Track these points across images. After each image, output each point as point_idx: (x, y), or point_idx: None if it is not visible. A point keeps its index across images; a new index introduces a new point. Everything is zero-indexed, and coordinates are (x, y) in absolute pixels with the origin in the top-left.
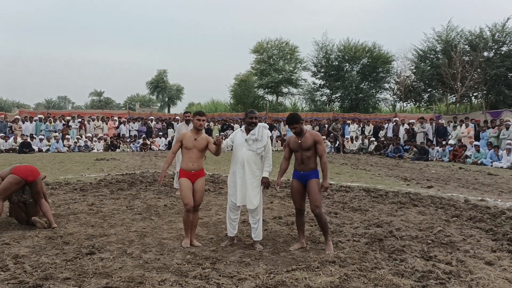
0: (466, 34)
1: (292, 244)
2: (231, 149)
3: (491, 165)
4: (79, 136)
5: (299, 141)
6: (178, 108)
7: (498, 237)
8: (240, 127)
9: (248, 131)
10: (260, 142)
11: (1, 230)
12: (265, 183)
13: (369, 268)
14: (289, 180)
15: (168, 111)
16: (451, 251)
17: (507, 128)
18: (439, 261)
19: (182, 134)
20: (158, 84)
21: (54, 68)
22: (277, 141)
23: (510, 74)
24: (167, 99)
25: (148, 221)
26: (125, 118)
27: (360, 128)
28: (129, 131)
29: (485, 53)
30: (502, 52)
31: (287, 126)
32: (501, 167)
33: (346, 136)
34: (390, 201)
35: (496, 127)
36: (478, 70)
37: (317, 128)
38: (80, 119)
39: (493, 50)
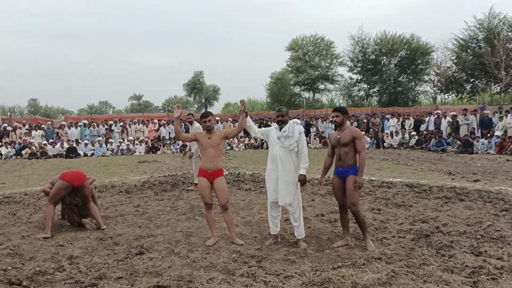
0: (510, 21)
1: (336, 241)
2: (259, 136)
3: None
4: (121, 140)
5: (338, 136)
6: (215, 109)
7: None
8: None
9: (280, 129)
10: (291, 139)
11: (55, 233)
12: (302, 180)
13: (417, 265)
14: (329, 177)
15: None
16: (501, 246)
17: None
18: (490, 256)
19: (197, 132)
20: (195, 86)
21: (95, 74)
22: (315, 139)
23: None
24: (204, 100)
25: (193, 221)
26: (165, 120)
27: (400, 122)
28: (169, 133)
29: None
30: None
31: (325, 123)
32: None
33: (385, 131)
34: (435, 196)
35: None
36: None
37: (355, 124)
38: (122, 123)
39: None
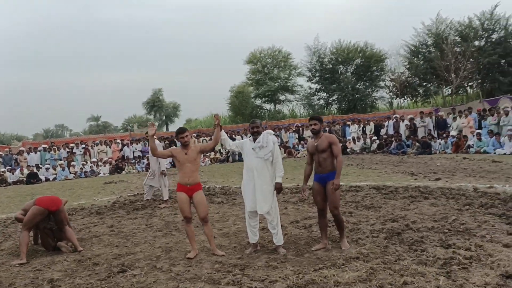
0: (456, 25)
1: (313, 245)
2: (233, 149)
3: (494, 153)
4: (84, 162)
5: (316, 144)
6: (176, 126)
7: None
8: (242, 138)
9: (254, 140)
10: (266, 149)
11: (30, 258)
12: (278, 189)
13: (393, 261)
14: (298, 185)
15: (167, 129)
16: (468, 238)
17: (507, 115)
18: (459, 248)
19: (173, 149)
20: (154, 104)
21: (47, 98)
22: (280, 149)
23: (503, 61)
24: (164, 117)
25: (170, 236)
26: (128, 140)
27: (361, 128)
28: (133, 152)
29: (476, 43)
30: (493, 40)
31: (288, 133)
32: (504, 154)
33: (347, 137)
34: (401, 196)
35: (496, 114)
36: (471, 59)
37: None
38: (83, 145)
39: (484, 39)
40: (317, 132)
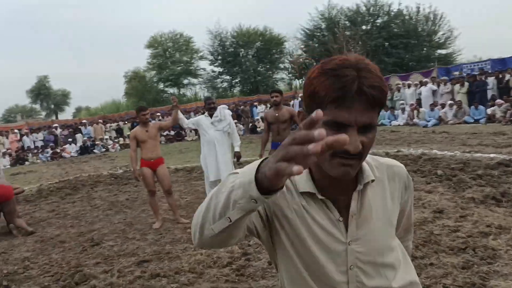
0: (346, 11)
1: None
2: (190, 126)
3: (390, 124)
4: None
5: (276, 114)
6: (67, 114)
7: (426, 174)
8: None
9: (210, 115)
10: (224, 121)
11: None
12: (238, 157)
13: None
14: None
15: (56, 118)
16: None
17: (399, 91)
18: None
19: (133, 132)
20: (40, 92)
21: None
22: (190, 131)
23: (387, 44)
24: (53, 106)
25: (123, 213)
26: (26, 129)
27: (268, 108)
28: (34, 142)
29: (364, 27)
30: (378, 24)
31: (198, 115)
32: (399, 125)
33: (255, 117)
34: None
35: (389, 90)
36: (360, 42)
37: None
38: None
39: (370, 23)
40: (278, 103)
